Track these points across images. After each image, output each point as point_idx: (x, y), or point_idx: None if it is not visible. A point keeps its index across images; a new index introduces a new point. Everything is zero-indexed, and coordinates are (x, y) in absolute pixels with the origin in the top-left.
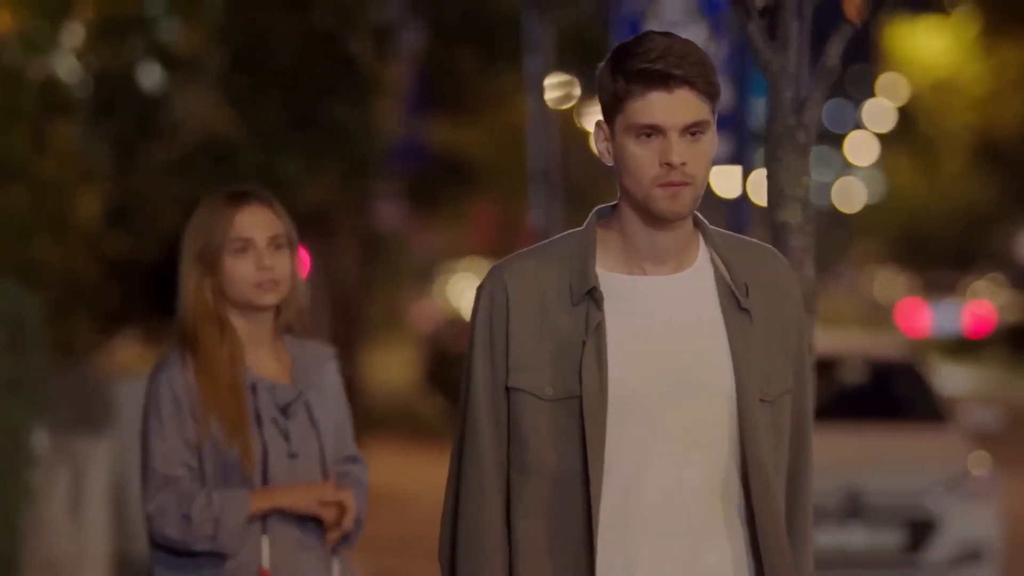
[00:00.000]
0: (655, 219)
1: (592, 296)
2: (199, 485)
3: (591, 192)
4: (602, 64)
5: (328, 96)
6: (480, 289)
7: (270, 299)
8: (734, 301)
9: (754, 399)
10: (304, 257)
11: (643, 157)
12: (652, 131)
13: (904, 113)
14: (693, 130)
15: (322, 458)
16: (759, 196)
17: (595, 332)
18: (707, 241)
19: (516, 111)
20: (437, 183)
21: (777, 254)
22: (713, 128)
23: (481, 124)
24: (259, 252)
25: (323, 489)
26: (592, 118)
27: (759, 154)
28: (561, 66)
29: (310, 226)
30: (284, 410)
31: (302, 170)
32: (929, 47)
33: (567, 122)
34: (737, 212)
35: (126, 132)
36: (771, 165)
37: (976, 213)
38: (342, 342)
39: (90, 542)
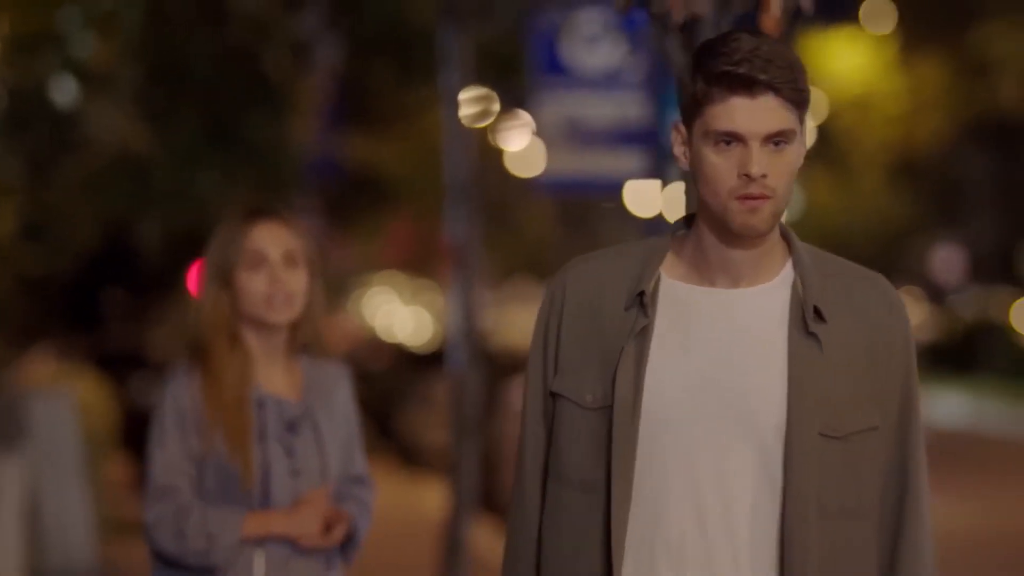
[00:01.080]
0: (731, 233)
1: (641, 300)
2: (197, 499)
3: (508, 208)
4: (687, 63)
5: (244, 111)
6: (547, 288)
7: (282, 315)
8: (803, 324)
9: (810, 432)
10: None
11: (721, 166)
12: (732, 139)
13: (821, 130)
14: (776, 139)
15: (325, 477)
16: (675, 212)
17: (638, 337)
18: (795, 257)
19: (432, 126)
20: (353, 198)
21: (880, 282)
22: (800, 138)
23: (397, 138)
24: (273, 268)
25: (319, 501)
26: (508, 135)
27: (675, 170)
28: (478, 80)
29: None
30: (290, 427)
31: (218, 186)
32: (847, 64)
33: (484, 137)
34: (654, 229)
35: (40, 147)
36: (690, 180)
37: (892, 229)
38: None
39: (3, 556)
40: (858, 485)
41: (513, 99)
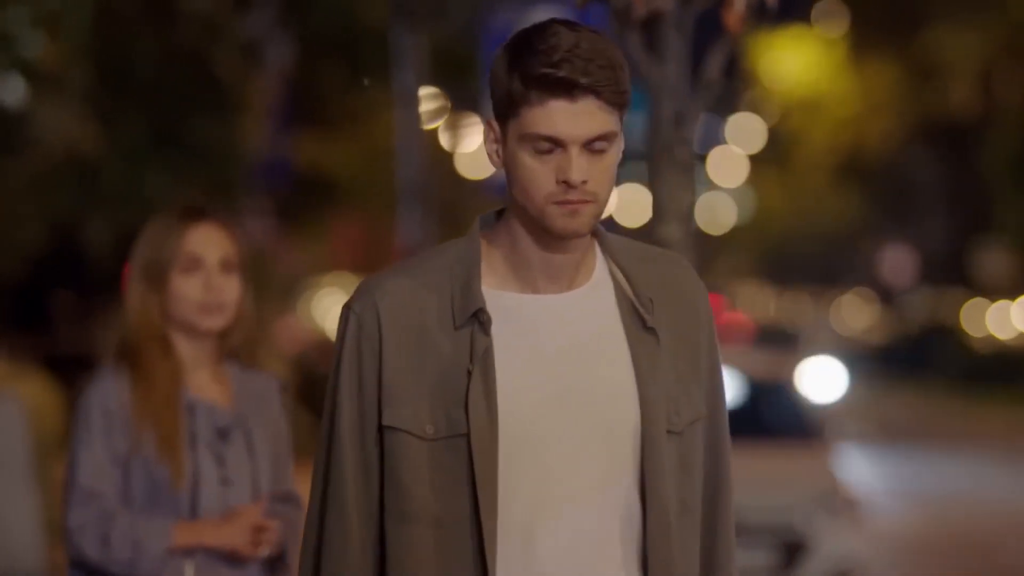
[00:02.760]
0: (551, 236)
1: (478, 318)
2: (123, 504)
3: (459, 209)
4: (496, 53)
5: (193, 112)
6: (346, 310)
7: (214, 323)
8: (638, 319)
9: (660, 431)
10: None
11: (538, 171)
12: (550, 143)
13: (772, 132)
14: (597, 144)
15: (255, 488)
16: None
17: (482, 360)
18: (604, 251)
19: (382, 127)
20: (303, 199)
21: (683, 262)
22: (619, 139)
23: (347, 139)
24: (208, 273)
25: (250, 513)
26: (460, 137)
27: (627, 171)
28: (432, 81)
29: None
30: (221, 434)
31: (166, 186)
32: (797, 65)
33: (435, 138)
34: (607, 227)
35: None
36: (652, 180)
37: (842, 231)
38: None
39: None
40: (691, 479)
41: (465, 100)
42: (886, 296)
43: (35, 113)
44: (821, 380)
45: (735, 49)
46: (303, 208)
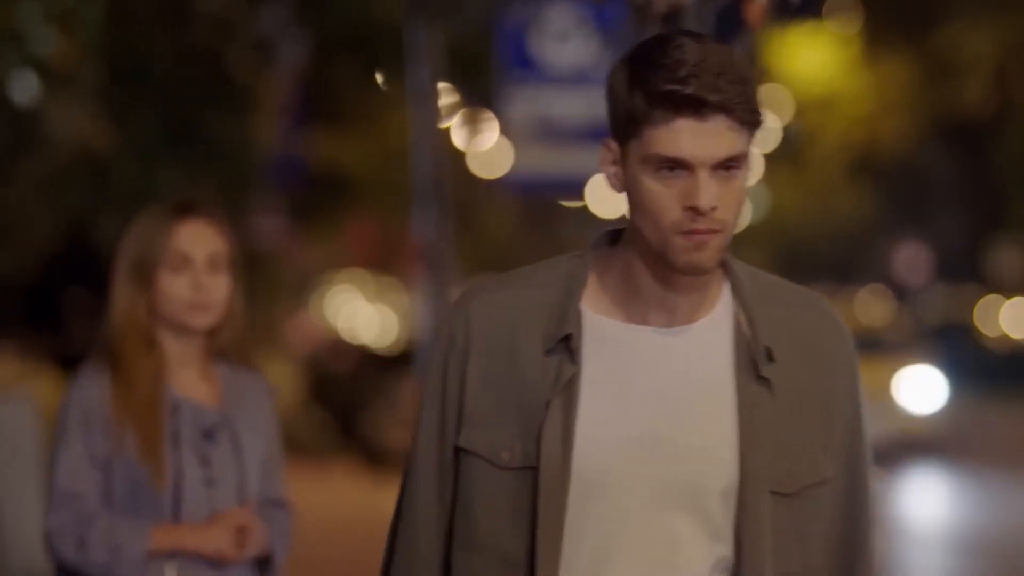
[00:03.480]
0: (672, 269)
1: (567, 344)
2: (102, 506)
3: (471, 207)
4: (614, 67)
5: (206, 110)
6: (443, 321)
7: (202, 321)
8: (752, 367)
9: (761, 492)
10: None
11: (663, 197)
12: (676, 165)
13: (786, 129)
14: (727, 166)
15: (241, 491)
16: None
17: (564, 390)
18: (733, 284)
19: (397, 124)
20: (316, 196)
21: (824, 307)
22: (750, 160)
23: (362, 137)
24: (196, 271)
25: (233, 518)
26: (474, 135)
27: None
28: (448, 78)
29: None
30: (207, 435)
31: (179, 184)
32: (811, 63)
33: (449, 136)
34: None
35: (0, 146)
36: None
37: (857, 228)
38: None
39: None
40: (804, 547)
41: (480, 98)
42: (901, 293)
43: (48, 111)
44: (919, 390)
45: (754, 44)
46: (317, 206)
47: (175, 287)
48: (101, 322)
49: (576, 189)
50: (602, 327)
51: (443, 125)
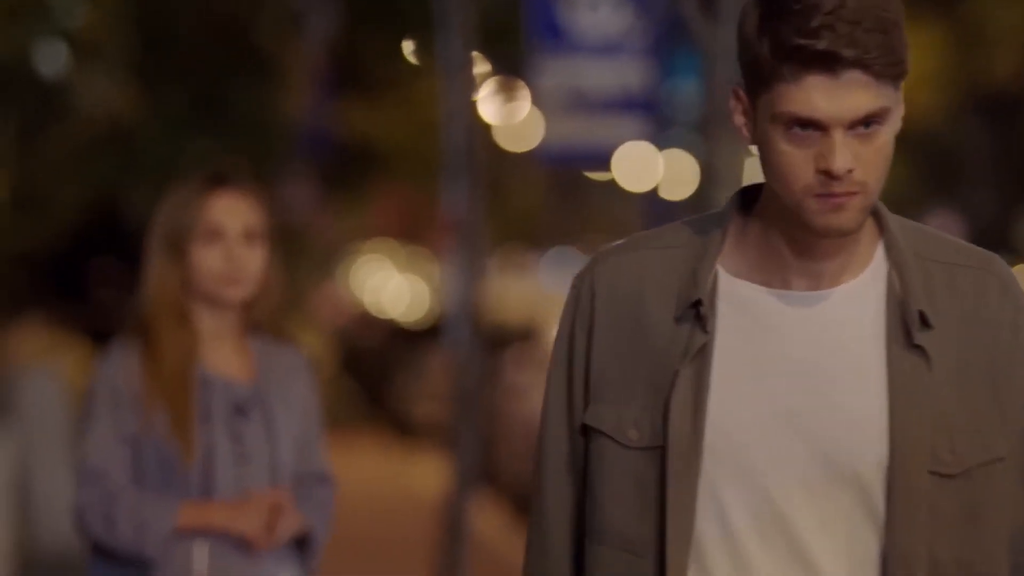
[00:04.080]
0: (809, 232)
1: (699, 310)
2: (130, 484)
3: (498, 177)
4: (745, 10)
5: (235, 80)
6: (571, 285)
7: (235, 295)
8: (905, 335)
9: (918, 472)
10: None
11: (794, 159)
12: (808, 125)
13: None
14: (866, 124)
15: (274, 468)
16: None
17: (695, 359)
18: (887, 243)
19: (426, 94)
20: (346, 167)
21: (996, 267)
22: (896, 114)
23: (391, 107)
24: (230, 244)
25: (265, 499)
26: (503, 106)
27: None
28: (478, 48)
29: None
30: (239, 411)
31: (207, 155)
32: None
33: (477, 108)
34: (649, 203)
35: (28, 117)
36: (706, 147)
37: (887, 200)
38: None
39: None
40: (978, 533)
41: (509, 68)
42: None
43: (76, 82)
44: None
45: None
46: (345, 177)
47: (208, 260)
48: (129, 294)
49: (605, 161)
50: (738, 291)
51: (473, 96)
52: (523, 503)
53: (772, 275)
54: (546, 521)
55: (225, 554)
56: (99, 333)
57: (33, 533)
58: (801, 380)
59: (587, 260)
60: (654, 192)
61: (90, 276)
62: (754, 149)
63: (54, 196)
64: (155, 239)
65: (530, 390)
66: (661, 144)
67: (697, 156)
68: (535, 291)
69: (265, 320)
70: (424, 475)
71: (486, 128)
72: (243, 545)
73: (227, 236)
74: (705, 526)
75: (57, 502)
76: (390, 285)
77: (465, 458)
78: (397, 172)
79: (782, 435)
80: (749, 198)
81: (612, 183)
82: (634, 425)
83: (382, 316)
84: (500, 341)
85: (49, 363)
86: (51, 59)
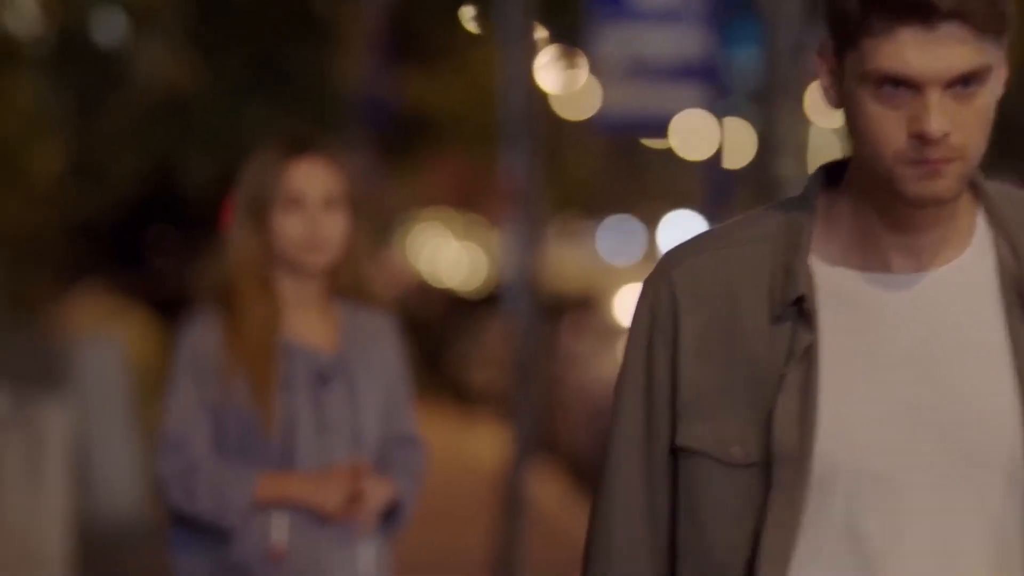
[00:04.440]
0: (903, 203)
1: (800, 308)
2: (210, 452)
3: (555, 146)
4: None
5: (291, 47)
6: (641, 292)
7: (316, 261)
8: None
9: None
10: None
11: (885, 121)
12: (901, 83)
13: None
14: (965, 84)
15: (356, 437)
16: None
17: (801, 362)
18: (987, 210)
19: (484, 62)
20: (403, 134)
21: None
22: (998, 74)
23: (449, 74)
24: (310, 210)
25: (347, 474)
26: (560, 74)
27: (725, 107)
28: (536, 15)
29: None
30: (321, 379)
31: (265, 123)
32: None
33: (535, 77)
34: (709, 170)
35: (87, 85)
36: (766, 115)
37: None
38: None
39: (49, 507)
40: None
41: (567, 36)
42: None
43: (134, 50)
44: None
45: None
46: (403, 144)
47: (289, 227)
48: (186, 263)
49: (664, 129)
50: (838, 282)
51: (532, 64)
52: (581, 471)
53: (869, 257)
54: (615, 553)
55: (305, 524)
56: (156, 301)
57: (90, 502)
58: (917, 371)
59: (659, 262)
60: (713, 160)
61: (148, 245)
62: (835, 120)
63: (112, 165)
64: (238, 207)
65: (588, 359)
66: (719, 113)
67: (754, 125)
68: (593, 260)
69: (350, 286)
70: (483, 444)
71: (544, 96)
72: (323, 517)
73: (307, 203)
74: (825, 539)
75: (115, 470)
76: (447, 254)
77: (523, 427)
78: (454, 140)
79: (905, 432)
80: (833, 176)
81: (670, 151)
82: (738, 441)
83: (439, 285)
84: (558, 310)
85: (107, 332)
86: (109, 28)
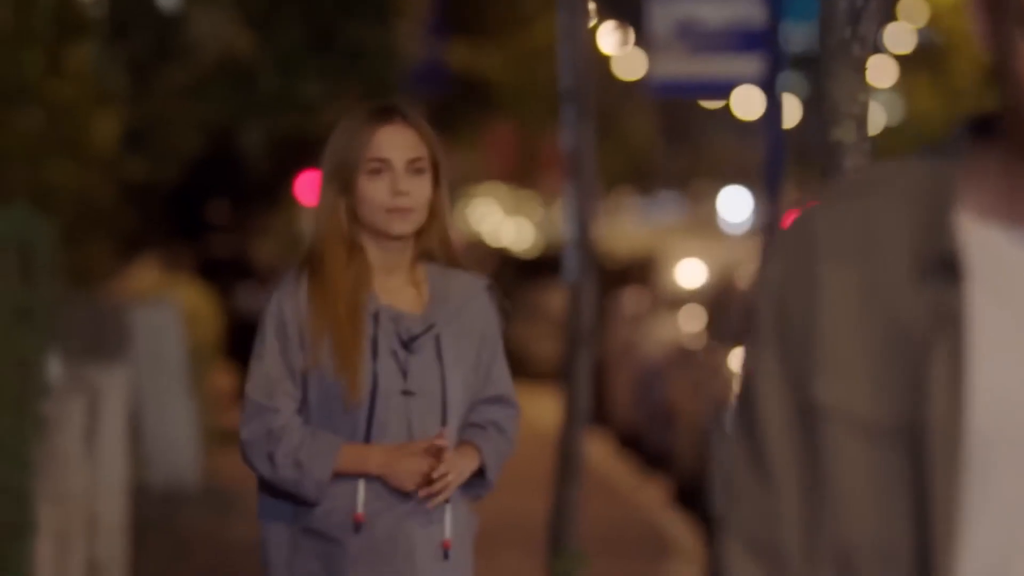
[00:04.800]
0: None
1: (948, 267)
2: (293, 418)
3: (611, 118)
4: None
5: (347, 16)
6: (775, 246)
7: (402, 227)
8: None
9: None
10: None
11: None
12: None
13: (922, 33)
14: None
15: (444, 400)
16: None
17: (950, 327)
18: None
19: (539, 32)
20: (458, 106)
21: None
22: None
23: (503, 44)
24: (395, 175)
25: (425, 455)
26: (615, 39)
27: (787, 76)
28: None
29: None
30: (407, 344)
31: (321, 92)
32: None
33: (592, 40)
34: (772, 137)
35: (143, 54)
36: (825, 81)
37: None
38: None
39: (105, 473)
40: None
41: (622, 7)
42: None
43: (191, 17)
44: None
45: None
46: (458, 113)
47: (374, 192)
48: (242, 231)
49: (717, 94)
50: (989, 240)
51: (589, 28)
52: (629, 438)
53: (1019, 215)
54: (783, 548)
55: (385, 492)
56: (213, 269)
57: (146, 466)
58: None
59: (797, 216)
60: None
61: (204, 213)
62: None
63: (169, 132)
64: (325, 173)
65: (642, 328)
66: (773, 81)
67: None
68: (648, 230)
69: (437, 250)
70: (538, 409)
71: (603, 60)
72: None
73: (393, 168)
74: (972, 525)
75: (170, 435)
76: (500, 228)
77: (578, 393)
78: (509, 110)
79: None
80: (980, 127)
81: (726, 111)
82: (875, 405)
83: (493, 255)
84: (617, 277)
85: (163, 298)
86: None
